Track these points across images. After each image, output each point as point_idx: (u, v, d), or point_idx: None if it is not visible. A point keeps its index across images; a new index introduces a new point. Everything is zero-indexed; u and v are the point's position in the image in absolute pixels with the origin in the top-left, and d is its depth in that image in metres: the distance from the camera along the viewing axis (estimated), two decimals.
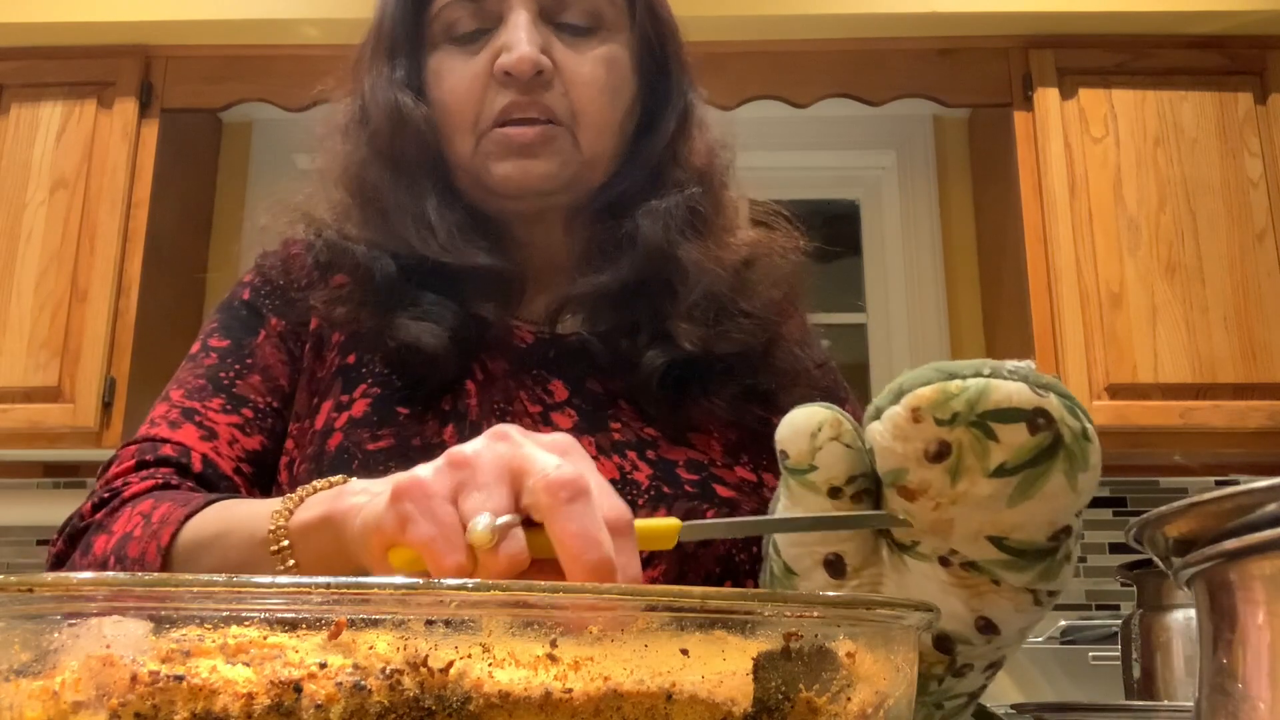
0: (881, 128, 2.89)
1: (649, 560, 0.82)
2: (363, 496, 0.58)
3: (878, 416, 0.57)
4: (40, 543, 2.70)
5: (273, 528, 0.65)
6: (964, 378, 0.55)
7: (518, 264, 0.93)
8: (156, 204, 2.52)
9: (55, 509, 2.67)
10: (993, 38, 2.57)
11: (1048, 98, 2.51)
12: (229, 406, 0.88)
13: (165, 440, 0.86)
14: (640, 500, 0.84)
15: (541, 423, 0.88)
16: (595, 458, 0.85)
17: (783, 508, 0.62)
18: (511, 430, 0.55)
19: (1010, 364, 0.56)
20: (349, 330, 0.91)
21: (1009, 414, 0.54)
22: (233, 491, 0.85)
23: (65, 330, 2.40)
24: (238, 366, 0.91)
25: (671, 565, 0.83)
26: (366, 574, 0.57)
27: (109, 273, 2.43)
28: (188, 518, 0.73)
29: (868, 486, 0.60)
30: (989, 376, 0.55)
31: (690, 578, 0.83)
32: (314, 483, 0.67)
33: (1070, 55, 2.53)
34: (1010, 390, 0.54)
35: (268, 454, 0.89)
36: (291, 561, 0.65)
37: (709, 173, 0.97)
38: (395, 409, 0.86)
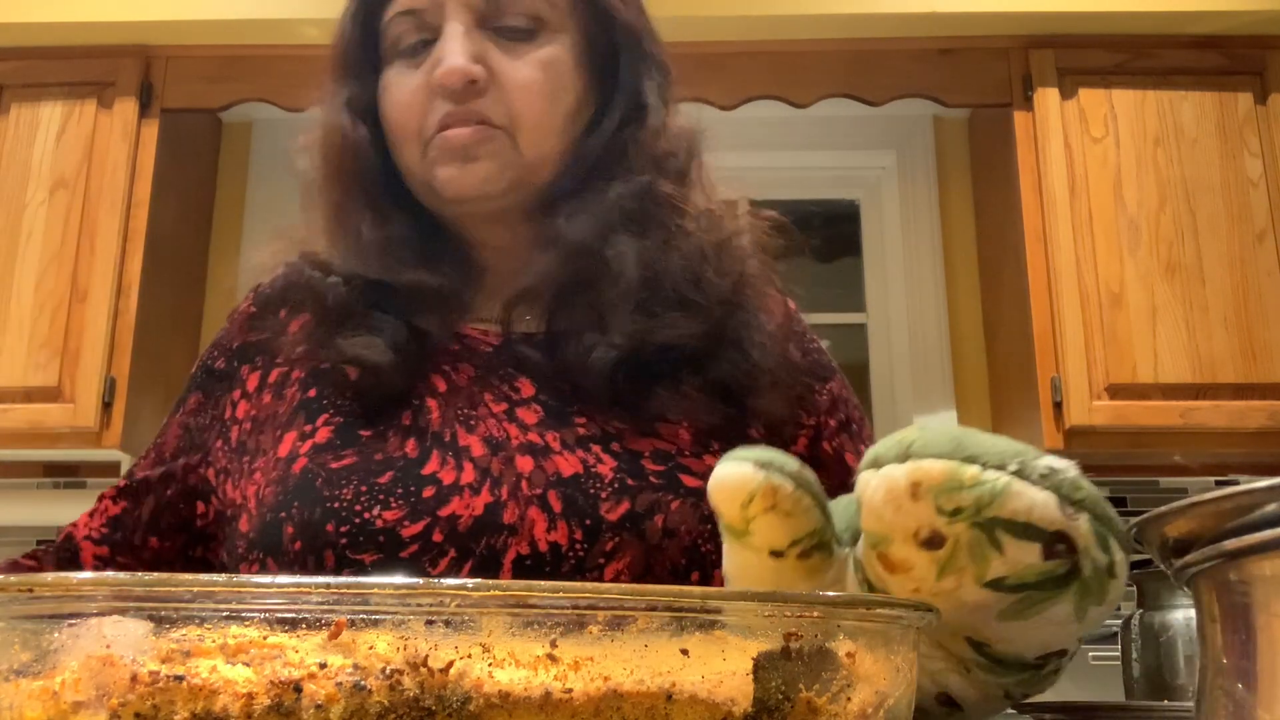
0: (881, 128, 2.89)
1: (612, 553, 0.83)
2: None
3: (875, 467, 0.50)
4: (40, 543, 2.70)
5: None
6: (985, 466, 0.47)
7: (475, 264, 0.95)
8: (156, 204, 2.52)
9: (55, 509, 2.67)
10: (993, 38, 2.57)
11: (1048, 98, 2.51)
12: (117, 485, 1.00)
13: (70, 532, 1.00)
14: (604, 494, 0.84)
15: (507, 420, 0.88)
16: (559, 453, 0.86)
17: (727, 557, 0.58)
18: None
19: (1047, 462, 0.47)
20: (308, 366, 0.93)
21: (1025, 530, 0.46)
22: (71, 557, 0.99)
23: (65, 330, 2.40)
24: (144, 451, 1.01)
25: (637, 558, 0.83)
26: None
27: (109, 273, 2.43)
28: None
29: (818, 542, 0.55)
30: (1014, 474, 0.46)
31: (656, 570, 0.83)
32: None
33: (1070, 55, 2.54)
34: (1034, 501, 0.46)
35: (126, 514, 0.97)
36: None
37: (656, 161, 0.95)
38: (358, 432, 0.88)
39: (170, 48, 2.59)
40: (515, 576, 0.81)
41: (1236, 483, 0.44)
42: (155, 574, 0.32)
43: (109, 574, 0.33)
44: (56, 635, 0.33)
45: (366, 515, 0.82)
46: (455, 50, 0.89)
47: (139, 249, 2.47)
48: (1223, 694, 0.42)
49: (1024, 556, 0.47)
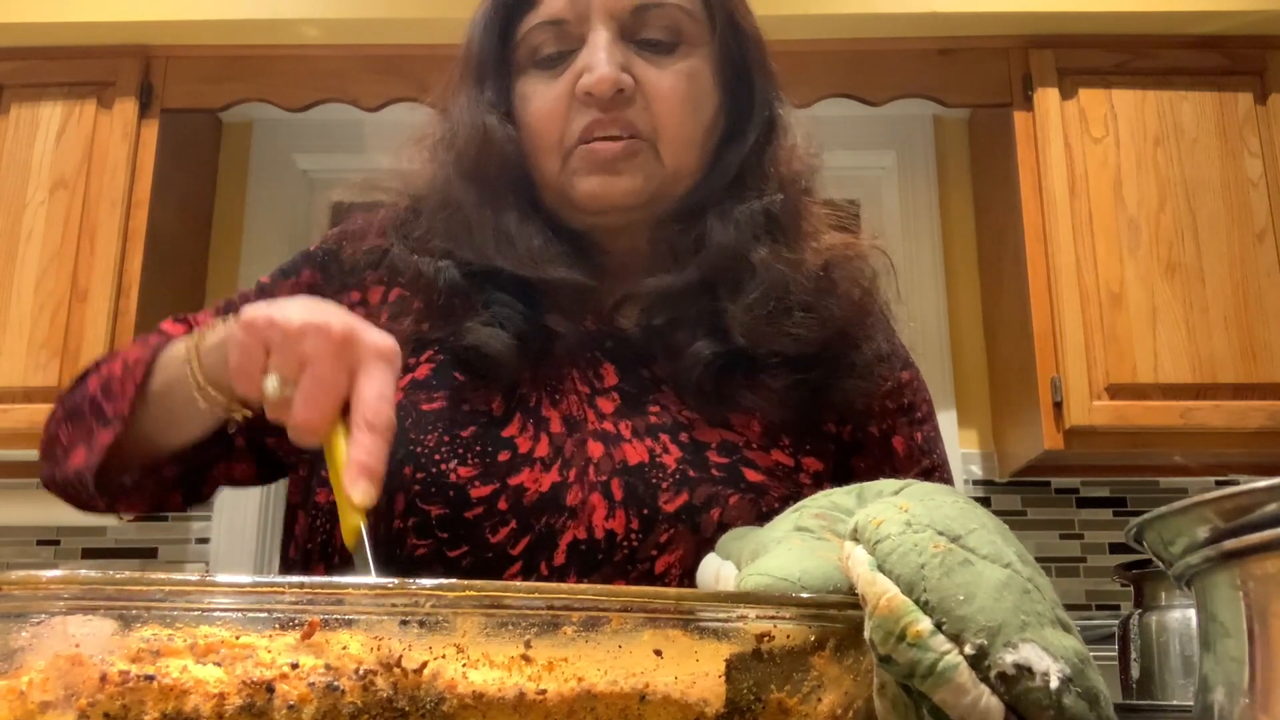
0: (881, 128, 2.88)
1: (666, 545, 0.84)
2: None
3: (855, 540, 0.45)
4: (40, 543, 2.70)
5: (186, 349, 0.82)
6: (940, 626, 0.39)
7: (595, 274, 0.94)
8: (156, 204, 2.52)
9: (55, 509, 2.66)
10: (993, 38, 2.57)
11: (1048, 98, 2.51)
12: (219, 317, 0.97)
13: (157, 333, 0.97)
14: (665, 484, 0.85)
15: (588, 405, 0.90)
16: (629, 440, 0.87)
17: None
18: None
19: (1023, 656, 0.38)
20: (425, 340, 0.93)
21: None
22: None
23: (65, 330, 2.40)
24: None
25: (689, 552, 0.84)
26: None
27: (109, 273, 2.43)
28: (155, 355, 0.86)
29: None
30: (970, 657, 0.38)
31: None
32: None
33: (1070, 55, 2.53)
34: (974, 705, 0.38)
35: None
36: (201, 374, 0.80)
37: (791, 180, 0.98)
38: (453, 374, 0.90)
39: (170, 48, 2.59)
40: (569, 560, 0.83)
41: (1236, 483, 0.44)
42: (126, 573, 0.32)
43: (80, 573, 0.33)
44: (23, 634, 0.33)
45: (443, 467, 0.84)
46: (603, 59, 0.89)
47: (139, 249, 2.47)
48: (1222, 694, 0.42)
49: None
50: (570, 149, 0.91)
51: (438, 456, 0.85)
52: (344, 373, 0.68)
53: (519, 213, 0.93)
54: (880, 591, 0.39)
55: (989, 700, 0.38)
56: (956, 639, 0.38)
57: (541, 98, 0.92)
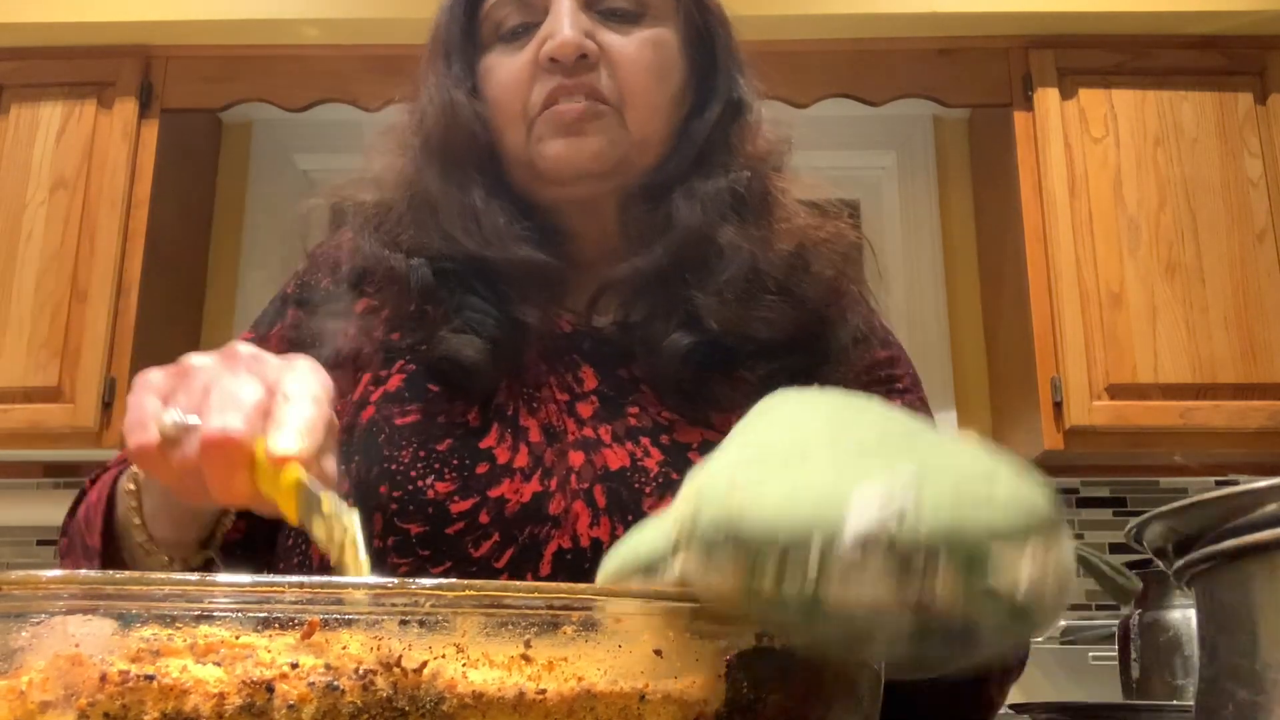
0: (881, 128, 2.88)
1: None
2: None
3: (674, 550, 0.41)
4: (40, 543, 2.70)
5: (130, 488, 0.76)
6: (787, 567, 0.36)
7: (564, 256, 0.93)
8: (156, 204, 2.52)
9: (55, 509, 2.65)
10: (993, 38, 2.57)
11: (1048, 98, 2.51)
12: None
13: None
14: (648, 488, 0.84)
15: (566, 411, 0.88)
16: (609, 445, 0.86)
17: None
18: (241, 348, 0.61)
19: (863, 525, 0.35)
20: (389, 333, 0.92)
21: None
22: None
23: (65, 330, 2.40)
24: None
25: None
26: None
27: (109, 273, 2.43)
28: (115, 480, 0.82)
29: None
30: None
31: None
32: None
33: (1070, 55, 2.53)
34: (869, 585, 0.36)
35: None
36: (138, 515, 0.75)
37: (759, 158, 0.97)
38: (426, 385, 0.88)
39: (170, 48, 2.59)
40: (555, 570, 0.81)
41: (1236, 483, 0.44)
42: (126, 573, 0.32)
43: (80, 572, 0.33)
44: (23, 633, 0.33)
45: (420, 484, 0.82)
46: (566, 24, 0.89)
47: (139, 249, 2.47)
48: (1223, 694, 0.42)
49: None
50: (534, 117, 0.90)
51: (414, 473, 0.83)
52: (260, 384, 0.57)
53: (485, 190, 0.92)
54: (715, 581, 0.36)
55: (874, 568, 0.35)
56: (802, 548, 0.35)
57: (505, 69, 0.92)
